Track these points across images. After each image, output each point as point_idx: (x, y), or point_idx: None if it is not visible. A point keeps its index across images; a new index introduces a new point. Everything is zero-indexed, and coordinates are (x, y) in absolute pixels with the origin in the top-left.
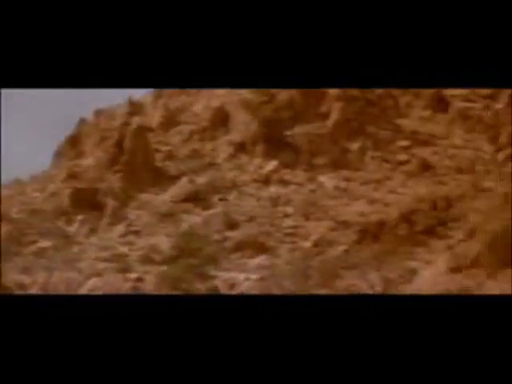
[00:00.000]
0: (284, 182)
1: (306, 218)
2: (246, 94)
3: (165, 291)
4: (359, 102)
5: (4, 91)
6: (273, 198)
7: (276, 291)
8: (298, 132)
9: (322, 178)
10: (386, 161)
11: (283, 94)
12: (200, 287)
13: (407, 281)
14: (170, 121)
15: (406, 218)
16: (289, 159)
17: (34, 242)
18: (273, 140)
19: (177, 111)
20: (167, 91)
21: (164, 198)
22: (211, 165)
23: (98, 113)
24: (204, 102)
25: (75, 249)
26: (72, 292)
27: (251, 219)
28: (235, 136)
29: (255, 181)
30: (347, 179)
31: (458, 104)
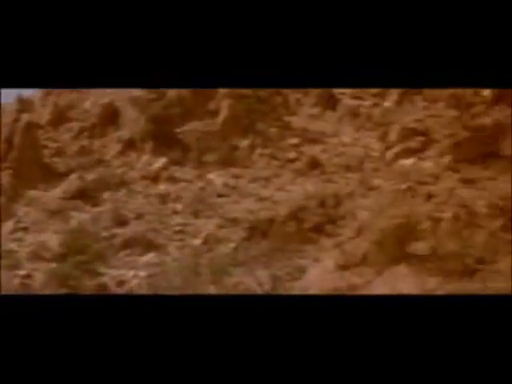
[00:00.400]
0: (173, 180)
1: (195, 215)
2: (135, 91)
3: (53, 288)
4: (249, 99)
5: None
6: (162, 195)
7: (165, 288)
8: (188, 129)
9: (211, 176)
10: (275, 158)
11: (172, 91)
12: (89, 284)
13: (296, 278)
14: (60, 118)
15: (295, 215)
16: (178, 156)
17: None
18: (162, 137)
19: (66, 108)
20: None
21: (53, 194)
22: (100, 162)
23: None
24: (93, 98)
25: None
26: None
27: (140, 216)
28: (124, 133)
29: (144, 178)
30: (236, 176)
31: (347, 102)
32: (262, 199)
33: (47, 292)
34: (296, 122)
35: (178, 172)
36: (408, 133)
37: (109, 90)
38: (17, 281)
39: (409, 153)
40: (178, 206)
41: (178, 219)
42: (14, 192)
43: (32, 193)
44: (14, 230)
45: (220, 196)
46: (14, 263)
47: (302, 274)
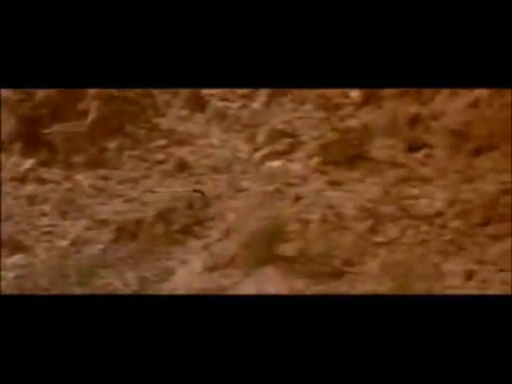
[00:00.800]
0: (41, 181)
1: (63, 216)
2: (3, 91)
3: None
4: (117, 100)
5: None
6: (29, 197)
7: (32, 290)
8: (56, 130)
9: (79, 177)
10: (144, 160)
11: (41, 92)
12: None
13: (164, 280)
14: None
15: (163, 217)
16: (46, 157)
17: None
18: (30, 138)
19: None
20: None
21: None
22: None
23: None
24: None
25: None
26: None
27: (8, 218)
28: None
29: (12, 179)
30: (104, 178)
31: (216, 103)
32: (130, 200)
33: None
34: (164, 123)
35: (45, 173)
36: (276, 134)
37: None
38: None
39: (277, 154)
40: (46, 208)
41: (45, 220)
42: None
43: None
44: None
45: (88, 197)
46: None
47: (169, 275)
